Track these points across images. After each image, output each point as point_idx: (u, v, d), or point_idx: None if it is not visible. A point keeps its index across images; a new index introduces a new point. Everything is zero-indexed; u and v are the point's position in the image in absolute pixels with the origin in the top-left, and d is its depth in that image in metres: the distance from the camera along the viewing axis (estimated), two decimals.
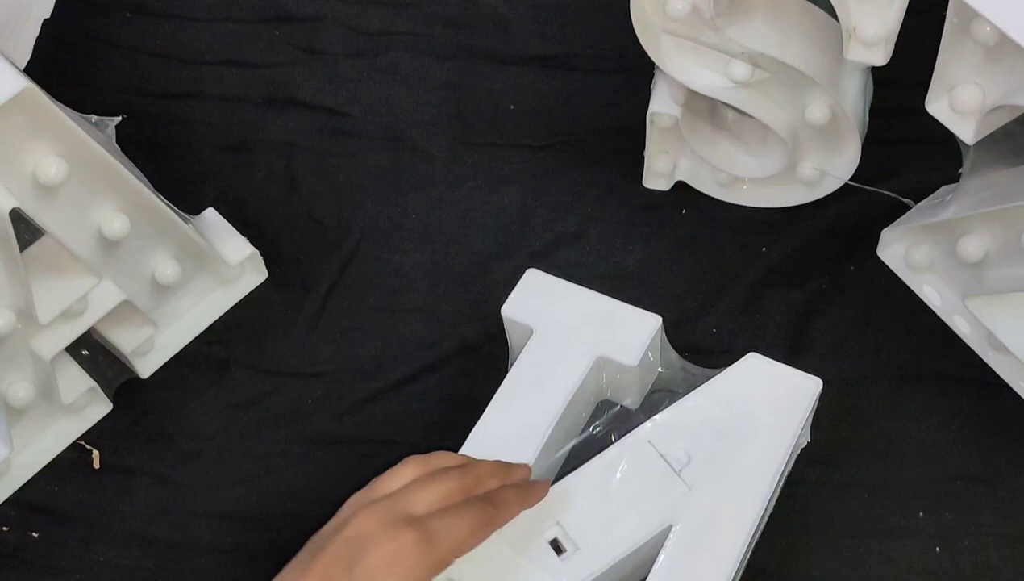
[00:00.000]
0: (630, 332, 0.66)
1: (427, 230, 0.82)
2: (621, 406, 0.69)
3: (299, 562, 0.56)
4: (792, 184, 0.78)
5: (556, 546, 0.61)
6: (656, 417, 0.65)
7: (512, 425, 0.64)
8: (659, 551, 0.61)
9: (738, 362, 0.66)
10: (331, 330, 0.78)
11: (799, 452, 0.67)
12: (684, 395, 0.67)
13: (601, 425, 0.69)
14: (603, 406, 0.70)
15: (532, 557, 0.61)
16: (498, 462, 0.61)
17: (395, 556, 0.53)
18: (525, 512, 0.60)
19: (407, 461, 0.60)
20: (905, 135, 0.80)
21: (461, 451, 0.64)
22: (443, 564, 0.55)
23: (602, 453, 0.64)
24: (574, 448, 0.68)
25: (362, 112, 0.87)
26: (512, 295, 0.69)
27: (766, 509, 0.63)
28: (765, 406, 0.64)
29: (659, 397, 0.69)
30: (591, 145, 0.85)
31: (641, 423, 0.65)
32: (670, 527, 0.61)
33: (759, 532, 0.63)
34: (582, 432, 0.68)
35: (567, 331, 0.67)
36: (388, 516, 0.55)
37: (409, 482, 0.58)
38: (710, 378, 0.66)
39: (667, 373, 0.70)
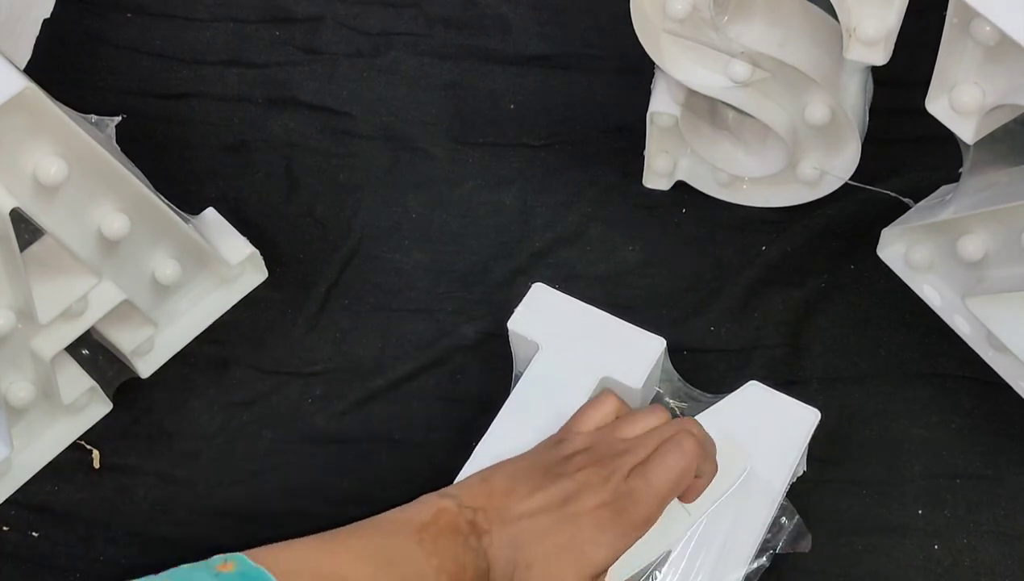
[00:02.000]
0: (635, 354, 0.67)
1: (427, 230, 0.82)
2: None
3: (525, 468, 0.59)
4: (792, 183, 0.78)
5: None
6: None
7: (517, 443, 0.64)
8: (656, 576, 0.61)
9: (738, 391, 0.66)
10: (331, 329, 0.78)
11: (795, 480, 0.67)
12: (684, 418, 0.67)
13: None
14: None
15: None
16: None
17: (607, 521, 0.56)
18: None
19: (655, 410, 0.62)
20: (905, 134, 0.80)
21: (466, 467, 0.64)
22: (647, 527, 0.57)
23: None
24: None
25: (362, 112, 0.87)
26: (518, 309, 0.69)
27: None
28: (764, 436, 0.65)
29: None
30: (591, 144, 0.85)
31: None
32: (668, 552, 0.62)
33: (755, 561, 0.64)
34: None
35: (573, 350, 0.67)
36: (613, 479, 0.57)
37: (641, 434, 0.60)
38: (710, 402, 0.67)
39: (668, 395, 0.70)
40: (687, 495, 0.60)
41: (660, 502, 0.57)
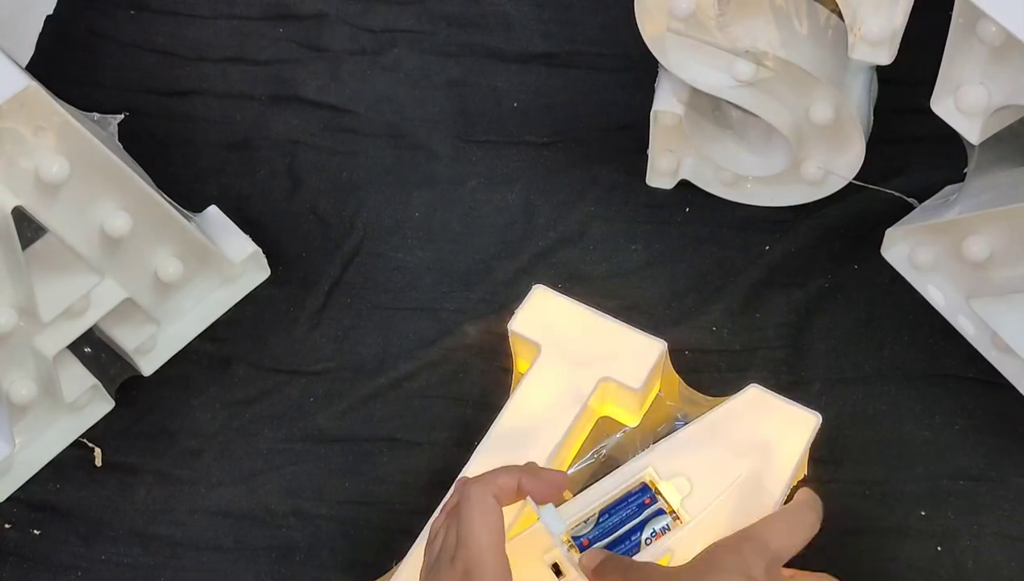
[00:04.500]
0: (635, 356, 0.67)
1: (430, 228, 0.81)
2: (623, 432, 0.69)
3: None
4: (796, 183, 0.78)
5: (556, 570, 0.61)
6: (657, 446, 0.65)
7: (517, 444, 0.64)
8: None
9: (738, 394, 0.66)
10: (333, 328, 0.78)
11: (795, 483, 0.66)
12: (684, 420, 0.67)
13: (604, 449, 0.69)
14: (604, 427, 0.70)
15: (533, 579, 0.61)
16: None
17: None
18: (526, 536, 0.61)
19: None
20: (910, 134, 0.80)
21: (466, 467, 0.64)
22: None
23: (604, 479, 0.64)
24: (577, 472, 0.68)
25: (365, 109, 0.87)
26: (519, 312, 0.69)
27: None
28: (764, 440, 0.64)
29: (659, 421, 0.69)
30: (595, 143, 0.84)
31: (642, 450, 0.65)
32: (669, 557, 0.61)
33: None
34: (585, 456, 0.69)
35: (573, 352, 0.67)
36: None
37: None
38: (711, 405, 0.67)
39: (668, 398, 0.70)
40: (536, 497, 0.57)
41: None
